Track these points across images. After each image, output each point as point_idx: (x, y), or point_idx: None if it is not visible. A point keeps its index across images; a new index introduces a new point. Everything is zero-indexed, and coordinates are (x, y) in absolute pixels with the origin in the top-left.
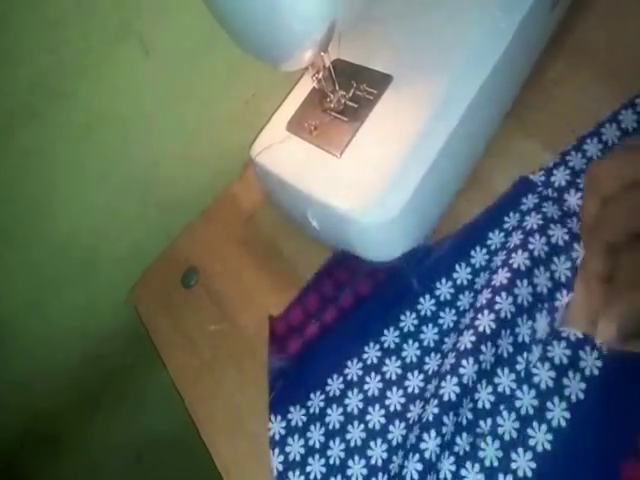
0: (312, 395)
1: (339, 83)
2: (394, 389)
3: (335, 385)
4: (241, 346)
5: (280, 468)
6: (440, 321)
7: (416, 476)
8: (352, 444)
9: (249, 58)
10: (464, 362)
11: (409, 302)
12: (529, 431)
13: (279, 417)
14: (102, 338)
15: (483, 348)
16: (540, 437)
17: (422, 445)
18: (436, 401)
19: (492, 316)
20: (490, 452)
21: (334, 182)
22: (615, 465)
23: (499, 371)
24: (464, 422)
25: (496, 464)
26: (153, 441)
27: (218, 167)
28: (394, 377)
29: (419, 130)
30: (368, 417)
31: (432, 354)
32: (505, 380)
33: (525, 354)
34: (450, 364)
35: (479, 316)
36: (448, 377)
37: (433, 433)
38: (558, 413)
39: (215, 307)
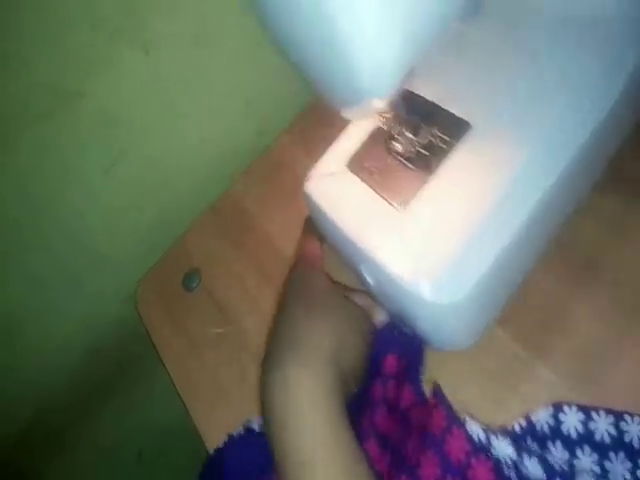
0: None
1: (408, 123)
2: None
3: None
4: (243, 349)
5: None
6: None
7: None
8: None
9: (249, 58)
10: None
11: None
12: None
13: None
14: (105, 336)
15: None
16: None
17: None
18: None
19: None
20: None
21: (394, 241)
22: None
23: None
24: None
25: None
26: (154, 437)
27: (219, 167)
28: None
29: (500, 193)
30: None
31: None
32: None
33: None
34: None
35: None
36: None
37: None
38: None
39: (217, 310)
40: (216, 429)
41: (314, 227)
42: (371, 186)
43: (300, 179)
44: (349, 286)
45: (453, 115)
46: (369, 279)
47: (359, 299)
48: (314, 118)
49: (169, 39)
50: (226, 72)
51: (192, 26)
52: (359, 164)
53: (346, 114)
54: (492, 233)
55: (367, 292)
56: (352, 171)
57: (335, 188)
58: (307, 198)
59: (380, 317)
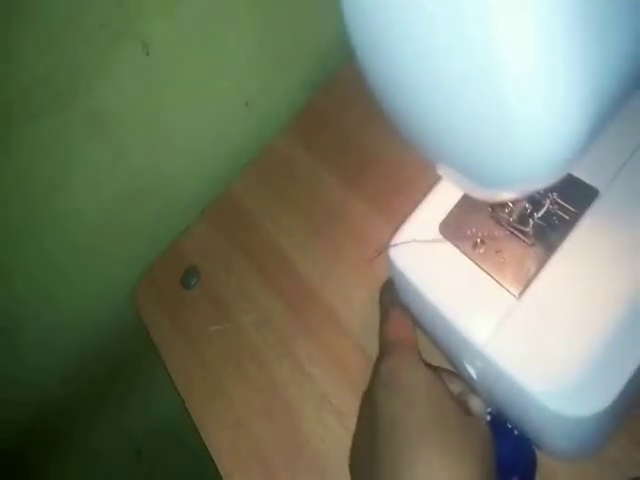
0: None
1: None
2: None
3: None
4: (241, 347)
5: None
6: None
7: None
8: None
9: (249, 59)
10: None
11: None
12: None
13: None
14: (104, 335)
15: None
16: None
17: None
18: None
19: None
20: None
21: (508, 335)
22: None
23: None
24: None
25: None
26: (154, 437)
27: (217, 166)
28: None
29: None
30: None
31: None
32: None
33: None
34: None
35: None
36: None
37: None
38: None
39: (215, 307)
40: (215, 427)
41: (395, 297)
42: (475, 261)
43: (300, 179)
44: (439, 367)
45: (578, 180)
46: (473, 373)
47: (452, 385)
48: (314, 117)
49: (170, 40)
50: (226, 73)
51: (192, 26)
52: (457, 231)
53: (476, 195)
54: (633, 333)
55: (460, 377)
56: (448, 239)
57: (428, 259)
58: (392, 267)
59: (477, 408)
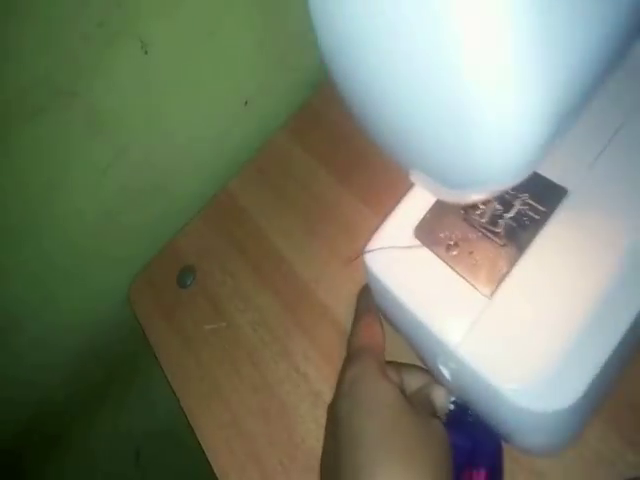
0: None
1: None
2: None
3: None
4: (237, 346)
5: None
6: None
7: None
8: None
9: (249, 59)
10: None
11: None
12: None
13: None
14: (101, 335)
15: None
16: None
17: None
18: None
19: None
20: None
21: (480, 335)
22: None
23: None
24: None
25: None
26: (152, 437)
27: (216, 166)
28: None
29: (611, 277)
30: None
31: None
32: None
33: None
34: None
35: None
36: None
37: None
38: None
39: (211, 307)
40: (210, 426)
41: (371, 303)
42: (448, 263)
43: (296, 178)
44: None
45: (546, 179)
46: (446, 374)
47: (416, 378)
48: (312, 116)
49: (169, 39)
50: (226, 73)
51: (192, 26)
52: (431, 235)
53: (446, 198)
54: (604, 326)
55: (425, 369)
56: (423, 243)
57: (403, 263)
58: (368, 272)
59: (441, 399)
